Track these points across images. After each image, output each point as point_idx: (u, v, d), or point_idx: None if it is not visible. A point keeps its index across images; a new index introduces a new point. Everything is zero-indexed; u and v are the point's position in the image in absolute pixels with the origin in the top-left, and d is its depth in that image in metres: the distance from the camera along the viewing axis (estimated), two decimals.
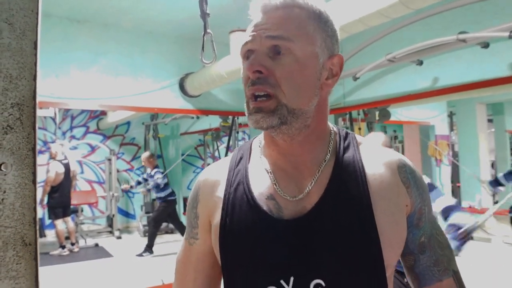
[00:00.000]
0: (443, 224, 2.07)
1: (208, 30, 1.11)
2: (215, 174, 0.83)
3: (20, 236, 0.56)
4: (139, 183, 6.12)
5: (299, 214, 0.71)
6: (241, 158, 0.82)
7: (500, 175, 4.04)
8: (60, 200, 5.66)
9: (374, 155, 0.78)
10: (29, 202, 0.56)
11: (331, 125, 0.82)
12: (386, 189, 0.74)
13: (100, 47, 3.34)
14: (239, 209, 0.74)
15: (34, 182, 0.56)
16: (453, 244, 1.97)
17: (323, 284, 0.68)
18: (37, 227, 0.57)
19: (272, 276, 0.70)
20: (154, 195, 6.10)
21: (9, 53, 0.57)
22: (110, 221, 6.96)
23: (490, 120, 7.63)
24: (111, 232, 6.86)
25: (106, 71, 3.35)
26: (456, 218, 1.97)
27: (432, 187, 2.09)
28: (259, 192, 0.75)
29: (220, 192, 0.79)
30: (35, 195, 0.56)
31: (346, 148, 0.78)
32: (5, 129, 0.55)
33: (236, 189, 0.77)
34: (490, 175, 7.07)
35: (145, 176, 6.03)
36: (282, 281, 0.69)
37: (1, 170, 0.55)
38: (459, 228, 1.95)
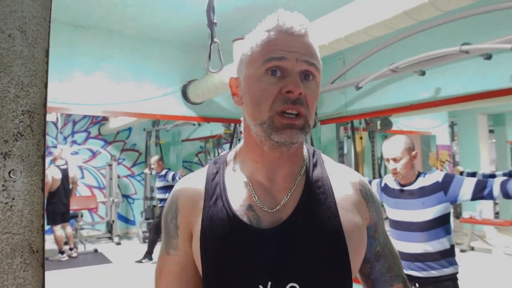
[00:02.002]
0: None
1: (215, 39, 1.12)
2: (193, 186, 0.86)
3: (28, 243, 0.56)
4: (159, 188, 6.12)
5: (276, 224, 0.77)
6: (217, 172, 0.87)
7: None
8: (58, 206, 5.62)
9: (338, 173, 0.87)
10: (38, 209, 0.56)
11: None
12: (350, 203, 0.83)
13: (103, 53, 3.35)
14: (219, 221, 0.78)
15: (42, 189, 0.56)
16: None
17: (297, 287, 0.74)
18: (44, 235, 0.56)
19: (251, 282, 0.74)
20: (157, 195, 6.11)
21: (21, 61, 0.57)
22: (109, 227, 6.94)
23: (491, 131, 7.63)
24: (110, 238, 6.83)
25: (109, 77, 3.36)
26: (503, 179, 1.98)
27: (452, 175, 2.15)
28: (238, 204, 0.80)
29: (199, 204, 0.83)
30: (43, 202, 0.56)
31: (315, 165, 0.86)
32: (15, 136, 0.56)
33: (215, 202, 0.81)
34: None
35: (158, 180, 6.08)
36: (260, 286, 0.74)
37: (11, 177, 0.55)
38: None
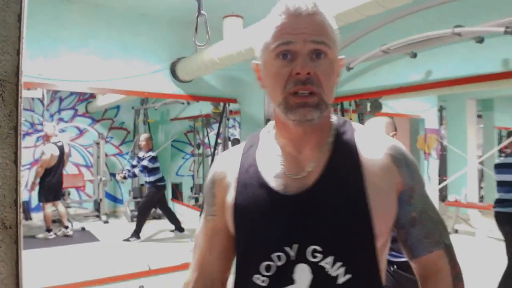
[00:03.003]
0: None
1: (202, 12, 1.09)
2: (230, 158, 0.96)
3: (0, 218, 0.53)
4: (129, 172, 5.99)
5: (301, 190, 0.83)
6: (251, 146, 0.95)
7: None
8: (53, 183, 5.59)
9: (369, 140, 0.89)
10: (10, 183, 0.53)
11: (332, 115, 0.93)
12: (378, 168, 0.85)
13: (90, 28, 3.26)
14: (250, 187, 0.87)
15: (16, 162, 0.53)
16: None
17: (319, 249, 0.79)
18: (20, 210, 0.54)
19: (276, 244, 0.81)
20: (143, 179, 6.05)
21: None
22: (97, 205, 6.90)
23: (479, 116, 7.70)
24: (98, 217, 6.81)
25: (96, 53, 3.28)
26: None
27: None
28: (268, 172, 0.87)
29: (234, 174, 0.92)
30: (17, 176, 0.53)
31: (343, 133, 0.89)
32: None
33: (247, 171, 0.90)
34: (477, 170, 7.15)
35: (134, 162, 5.98)
36: (287, 248, 0.81)
37: None
38: None
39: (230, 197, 0.89)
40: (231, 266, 0.95)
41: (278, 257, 0.81)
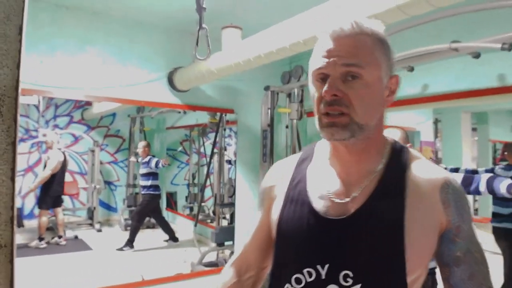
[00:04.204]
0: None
1: (204, 25, 1.08)
2: (285, 167, 1.02)
3: None
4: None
5: (343, 215, 0.85)
6: (305, 159, 1.00)
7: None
8: (55, 189, 5.63)
9: (422, 171, 0.88)
10: (6, 201, 0.52)
11: (388, 137, 0.95)
12: (423, 203, 0.84)
13: (87, 35, 3.25)
14: (295, 204, 0.92)
15: (12, 179, 0.52)
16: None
17: (351, 274, 0.82)
18: (14, 228, 0.52)
19: (312, 261, 0.85)
20: (140, 182, 6.06)
21: None
22: (90, 213, 6.84)
23: (474, 129, 7.74)
24: (91, 225, 6.73)
25: (93, 60, 3.27)
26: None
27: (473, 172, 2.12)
28: (314, 191, 0.91)
29: (284, 186, 0.97)
30: (13, 193, 0.52)
31: (398, 162, 0.90)
32: None
33: (296, 185, 0.94)
34: None
35: (142, 167, 6.04)
36: (318, 266, 0.84)
37: None
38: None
39: (277, 208, 0.96)
40: (269, 258, 1.02)
41: (309, 273, 0.85)
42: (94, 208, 6.66)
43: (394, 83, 0.89)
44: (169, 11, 3.24)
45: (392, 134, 2.18)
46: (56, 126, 7.06)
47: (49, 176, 5.53)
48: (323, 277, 0.83)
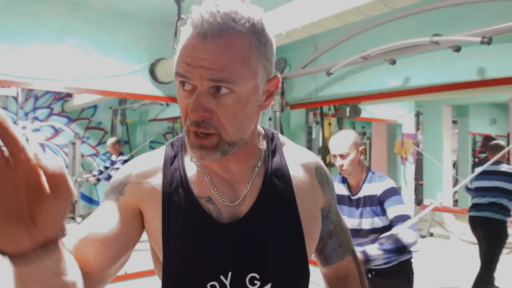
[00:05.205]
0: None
1: (182, 16, 1.06)
2: (150, 165, 0.84)
3: None
4: (101, 172, 5.92)
5: (236, 218, 0.79)
6: (175, 156, 0.85)
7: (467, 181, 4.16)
8: None
9: (296, 158, 0.88)
10: None
11: (259, 126, 0.86)
12: (306, 190, 0.86)
13: (67, 25, 3.18)
14: (180, 212, 0.78)
15: None
16: (380, 257, 1.93)
17: (257, 276, 0.77)
18: None
19: (212, 272, 0.77)
20: None
21: None
22: (72, 206, 6.76)
23: (454, 122, 7.89)
24: (73, 218, 6.66)
25: (73, 51, 3.20)
26: (402, 231, 1.96)
27: (392, 192, 2.07)
28: (199, 195, 0.80)
29: (156, 186, 0.81)
30: None
31: (273, 152, 0.87)
32: None
33: (176, 190, 0.80)
34: (451, 174, 7.31)
35: (107, 164, 5.86)
36: (221, 277, 0.76)
37: None
38: (398, 241, 1.95)
39: (155, 215, 0.79)
40: (114, 267, 0.78)
41: (213, 286, 0.76)
42: (75, 201, 6.58)
43: (272, 84, 0.77)
44: (151, 2, 3.20)
45: (343, 140, 2.12)
46: (35, 118, 6.93)
47: None
48: (228, 287, 0.77)
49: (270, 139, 0.89)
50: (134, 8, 3.36)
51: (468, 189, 4.15)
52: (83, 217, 6.70)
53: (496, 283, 3.77)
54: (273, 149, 0.87)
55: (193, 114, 0.68)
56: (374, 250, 1.94)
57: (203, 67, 0.67)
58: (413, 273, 2.19)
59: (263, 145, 0.87)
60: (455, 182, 7.51)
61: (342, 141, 2.12)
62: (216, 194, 0.80)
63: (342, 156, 2.10)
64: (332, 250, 0.96)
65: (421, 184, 7.49)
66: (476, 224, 3.90)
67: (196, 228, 0.78)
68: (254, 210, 0.80)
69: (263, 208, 0.80)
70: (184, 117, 0.73)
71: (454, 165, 8.13)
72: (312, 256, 0.92)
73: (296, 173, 0.86)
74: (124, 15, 3.43)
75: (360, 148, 2.13)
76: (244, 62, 0.69)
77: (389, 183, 2.10)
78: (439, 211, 6.70)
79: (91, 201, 7.46)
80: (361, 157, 2.14)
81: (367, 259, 1.91)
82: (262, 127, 0.90)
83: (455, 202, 7.76)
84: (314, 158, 0.92)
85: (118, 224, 0.78)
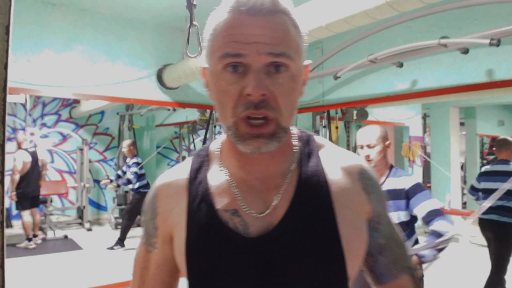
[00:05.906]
0: (420, 228, 2.09)
1: (194, 22, 1.06)
2: (174, 184, 0.79)
3: None
4: (118, 176, 5.95)
5: (266, 231, 0.70)
6: (200, 167, 0.79)
7: (473, 181, 4.13)
8: (28, 190, 5.44)
9: (335, 161, 0.78)
10: None
11: (291, 127, 0.77)
12: (348, 198, 0.74)
13: (75, 33, 3.21)
14: (203, 229, 0.72)
15: (1, 182, 0.51)
16: (431, 252, 1.97)
17: None
18: (4, 232, 0.51)
19: None
20: (128, 186, 5.99)
21: None
22: (80, 212, 6.79)
23: (462, 124, 7.82)
24: (81, 224, 6.69)
25: (81, 58, 3.23)
26: (438, 225, 1.98)
27: (421, 188, 2.10)
28: (223, 208, 0.72)
29: (182, 206, 0.76)
30: (2, 197, 0.51)
31: (309, 155, 0.77)
32: None
33: (199, 206, 0.74)
34: (460, 176, 7.26)
35: (124, 168, 5.88)
36: None
37: None
38: (440, 235, 1.95)
39: (180, 235, 0.75)
40: None
41: None
42: (84, 207, 6.61)
43: (307, 73, 0.73)
44: (158, 8, 3.21)
45: (372, 132, 2.18)
46: (43, 124, 6.99)
47: (17, 179, 5.35)
48: None
49: (306, 141, 0.79)
50: (141, 15, 3.38)
51: (474, 190, 4.09)
52: (91, 222, 6.73)
53: (507, 286, 3.73)
54: (309, 152, 0.78)
55: (256, 91, 0.61)
56: (421, 249, 1.97)
57: (259, 43, 0.62)
58: (423, 276, 2.18)
59: (296, 146, 0.78)
60: (464, 183, 7.45)
61: (370, 133, 2.19)
62: (243, 205, 0.72)
63: (369, 146, 2.17)
64: (384, 267, 0.81)
65: (429, 187, 7.43)
66: (485, 226, 3.86)
67: (219, 248, 0.71)
68: (286, 221, 0.70)
69: (296, 219, 0.71)
70: (232, 106, 0.65)
71: (462, 167, 8.07)
72: None
73: (335, 178, 0.75)
74: (132, 22, 3.45)
75: (387, 143, 2.20)
76: (296, 38, 0.67)
77: (417, 178, 2.17)
78: (448, 214, 6.65)
79: (99, 207, 7.49)
80: (387, 152, 2.20)
81: (420, 260, 1.94)
82: (298, 129, 0.82)
83: (464, 204, 7.70)
84: (358, 161, 0.80)
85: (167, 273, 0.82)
